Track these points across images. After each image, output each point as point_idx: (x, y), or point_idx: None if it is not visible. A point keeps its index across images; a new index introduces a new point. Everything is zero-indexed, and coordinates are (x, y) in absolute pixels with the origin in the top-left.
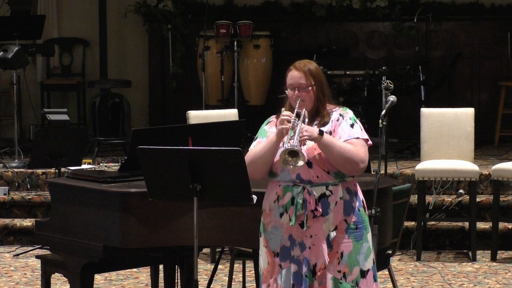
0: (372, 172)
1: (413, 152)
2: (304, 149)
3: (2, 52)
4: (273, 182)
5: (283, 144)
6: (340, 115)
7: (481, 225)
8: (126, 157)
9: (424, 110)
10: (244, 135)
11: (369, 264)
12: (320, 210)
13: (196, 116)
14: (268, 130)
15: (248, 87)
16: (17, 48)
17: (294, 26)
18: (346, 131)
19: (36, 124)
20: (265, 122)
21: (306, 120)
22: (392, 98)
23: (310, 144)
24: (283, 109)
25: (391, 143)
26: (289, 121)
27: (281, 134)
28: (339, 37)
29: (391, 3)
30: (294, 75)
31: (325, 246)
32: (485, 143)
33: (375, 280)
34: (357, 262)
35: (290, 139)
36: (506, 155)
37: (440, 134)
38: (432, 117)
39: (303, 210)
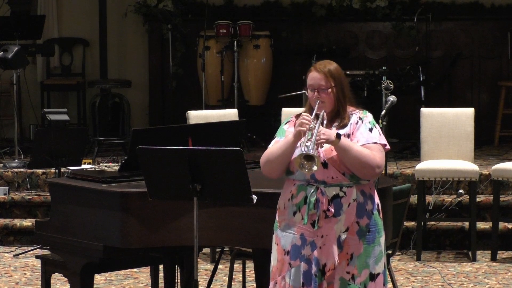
0: None
1: (413, 152)
2: (321, 150)
3: (2, 52)
4: (289, 180)
5: (300, 144)
6: (360, 118)
7: (481, 225)
8: (126, 157)
9: (424, 110)
10: (244, 135)
11: (379, 268)
12: (332, 210)
13: (196, 116)
14: (287, 130)
15: (248, 87)
16: (17, 48)
17: (294, 26)
18: (365, 135)
19: (36, 124)
20: (285, 121)
21: (325, 122)
22: (392, 98)
23: (327, 145)
24: (304, 109)
25: (391, 143)
26: (307, 123)
27: (298, 135)
28: (339, 37)
29: (391, 3)
30: (314, 76)
31: (335, 247)
32: (485, 143)
33: (384, 284)
34: (366, 265)
35: (307, 142)
36: (506, 155)
37: (440, 134)
38: (432, 117)
39: (315, 209)
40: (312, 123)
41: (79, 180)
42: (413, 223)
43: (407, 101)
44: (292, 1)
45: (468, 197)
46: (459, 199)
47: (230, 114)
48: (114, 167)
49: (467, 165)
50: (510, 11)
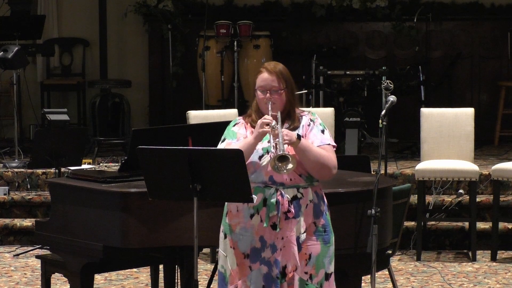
0: (372, 172)
1: (413, 152)
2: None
3: (2, 52)
4: None
5: (257, 146)
6: (311, 120)
7: (481, 225)
8: (126, 157)
9: (424, 110)
10: None
11: (332, 267)
12: (293, 211)
13: (196, 116)
14: (237, 132)
15: (248, 87)
16: (17, 48)
17: (294, 26)
18: (318, 137)
19: (36, 124)
20: (232, 123)
21: (279, 123)
22: (392, 98)
23: (285, 146)
24: (249, 110)
25: (391, 143)
26: (268, 124)
27: (260, 137)
28: (339, 37)
29: (391, 3)
30: (265, 77)
31: (296, 248)
32: (485, 143)
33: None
34: (323, 265)
35: (273, 143)
36: (506, 155)
37: (440, 134)
38: (432, 117)
39: (276, 211)
40: (274, 123)
41: (79, 180)
42: (413, 223)
43: (407, 101)
44: (292, 1)
45: (468, 197)
46: (459, 199)
47: (230, 114)
48: (114, 167)
49: (467, 165)
50: (510, 11)
